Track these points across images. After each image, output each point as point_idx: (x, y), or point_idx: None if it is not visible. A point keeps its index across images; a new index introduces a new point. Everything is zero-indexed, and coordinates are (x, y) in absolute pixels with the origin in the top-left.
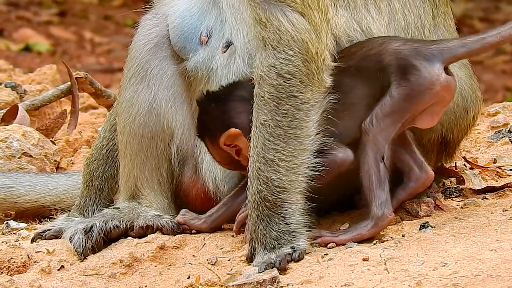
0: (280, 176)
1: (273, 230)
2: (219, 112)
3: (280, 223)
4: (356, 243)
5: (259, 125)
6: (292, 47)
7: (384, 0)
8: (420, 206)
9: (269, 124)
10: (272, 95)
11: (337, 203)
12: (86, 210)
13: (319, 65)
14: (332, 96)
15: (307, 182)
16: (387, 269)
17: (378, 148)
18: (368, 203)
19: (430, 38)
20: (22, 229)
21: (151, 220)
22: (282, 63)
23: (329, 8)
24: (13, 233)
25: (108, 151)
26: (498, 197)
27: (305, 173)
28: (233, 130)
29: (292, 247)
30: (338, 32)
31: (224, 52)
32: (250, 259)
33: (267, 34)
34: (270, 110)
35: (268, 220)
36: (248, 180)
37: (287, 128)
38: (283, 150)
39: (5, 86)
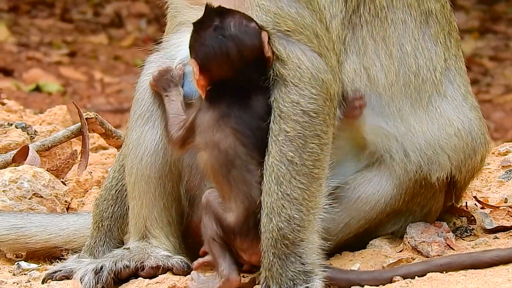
0: (302, 215)
1: (289, 269)
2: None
3: (297, 263)
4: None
5: (285, 161)
6: (314, 85)
7: (395, 45)
8: (431, 246)
9: (296, 162)
10: (299, 133)
11: (349, 244)
12: (96, 251)
13: (335, 106)
14: None
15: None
16: None
17: (213, 228)
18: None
19: (441, 81)
20: (33, 269)
21: (161, 260)
22: (307, 100)
23: (341, 52)
24: (24, 274)
25: (117, 192)
26: (509, 237)
27: (321, 214)
28: (191, 62)
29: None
30: (345, 79)
31: None
32: None
33: (286, 72)
34: (296, 147)
35: (285, 259)
36: (264, 217)
37: (312, 167)
38: (307, 190)
39: (16, 127)
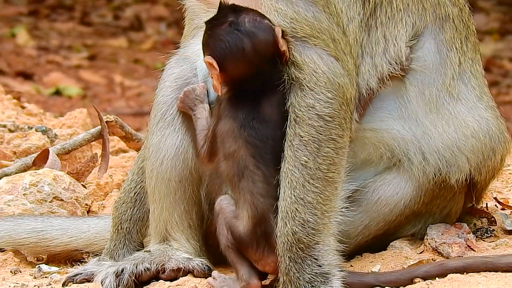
0: (316, 219)
1: (306, 272)
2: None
3: (313, 265)
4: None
5: (299, 166)
6: (330, 89)
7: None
8: (452, 247)
9: (310, 166)
10: (313, 137)
11: (369, 246)
12: (116, 254)
13: (352, 110)
14: None
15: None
16: None
17: (226, 236)
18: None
19: (455, 84)
20: (54, 273)
21: (182, 263)
22: (322, 105)
23: (358, 56)
24: (45, 277)
25: (136, 194)
26: None
27: (336, 217)
28: (208, 59)
29: None
30: (360, 82)
31: None
32: None
33: (302, 76)
34: (311, 151)
35: (301, 262)
36: (279, 221)
37: (326, 171)
38: (321, 193)
39: (36, 130)
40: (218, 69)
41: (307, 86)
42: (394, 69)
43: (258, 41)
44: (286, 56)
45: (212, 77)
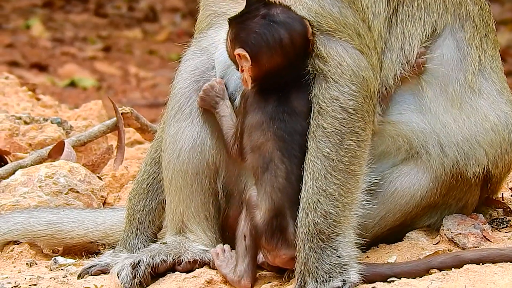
0: (338, 211)
1: (325, 262)
2: (244, 25)
3: (332, 256)
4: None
5: (321, 157)
6: (354, 82)
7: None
8: (468, 238)
9: (332, 158)
10: (336, 129)
11: (386, 237)
12: (129, 244)
13: (375, 104)
14: None
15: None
16: None
17: (245, 226)
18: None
19: (474, 81)
20: (70, 265)
21: (198, 255)
22: (346, 97)
23: (384, 51)
24: (61, 269)
25: (148, 185)
26: None
27: (357, 210)
28: (240, 51)
29: (343, 280)
30: (387, 73)
31: None
32: None
33: (327, 68)
34: (333, 143)
35: (321, 253)
36: (300, 211)
37: (348, 163)
38: (342, 186)
39: (51, 122)
40: (250, 61)
41: (332, 78)
42: (403, 69)
43: (294, 32)
44: (313, 45)
45: (242, 70)
